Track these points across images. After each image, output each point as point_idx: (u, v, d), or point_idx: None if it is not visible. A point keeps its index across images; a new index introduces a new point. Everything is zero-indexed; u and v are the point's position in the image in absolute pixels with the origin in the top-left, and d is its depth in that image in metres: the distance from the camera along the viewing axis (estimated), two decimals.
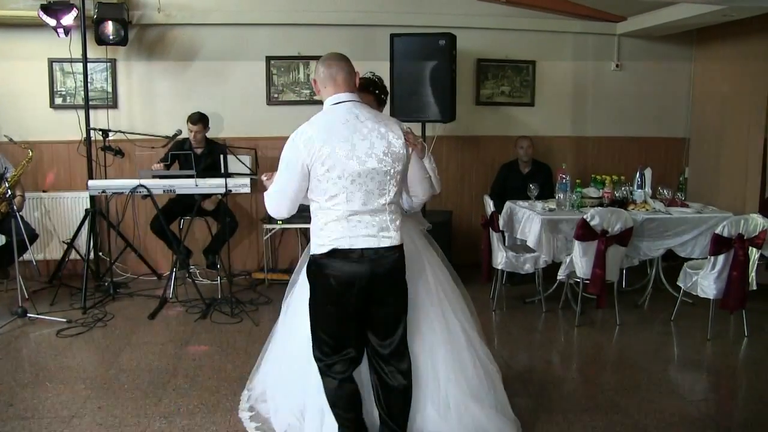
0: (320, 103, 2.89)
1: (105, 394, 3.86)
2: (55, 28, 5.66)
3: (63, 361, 4.39)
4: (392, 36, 5.94)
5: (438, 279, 3.28)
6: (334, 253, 2.69)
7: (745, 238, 4.69)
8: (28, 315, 5.04)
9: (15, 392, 3.88)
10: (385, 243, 2.72)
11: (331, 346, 2.84)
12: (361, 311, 2.79)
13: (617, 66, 7.15)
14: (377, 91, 3.23)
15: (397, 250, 2.78)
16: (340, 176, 2.61)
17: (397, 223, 2.77)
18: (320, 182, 2.63)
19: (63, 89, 6.42)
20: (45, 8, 5.58)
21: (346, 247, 2.68)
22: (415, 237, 3.28)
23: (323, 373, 2.89)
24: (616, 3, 6.56)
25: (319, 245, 2.72)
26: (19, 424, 3.47)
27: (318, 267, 2.74)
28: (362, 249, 2.69)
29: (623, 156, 7.18)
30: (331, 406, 2.93)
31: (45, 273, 6.21)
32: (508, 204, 5.75)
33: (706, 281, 4.84)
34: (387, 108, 5.91)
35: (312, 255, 2.78)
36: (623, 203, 5.53)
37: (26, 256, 5.38)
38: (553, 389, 4.00)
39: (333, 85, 2.73)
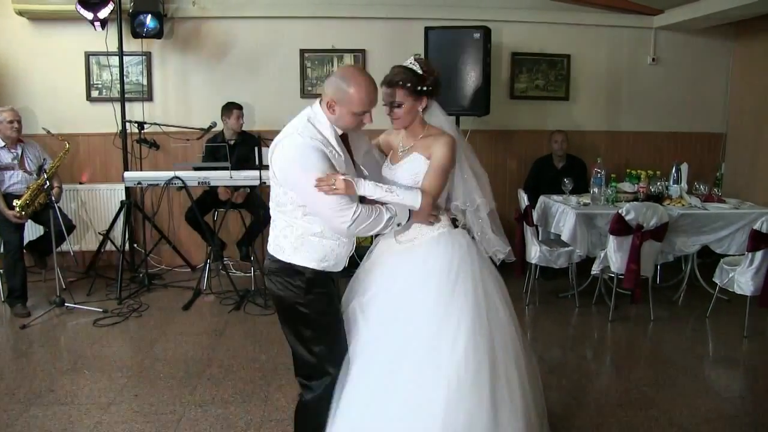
0: None
1: (141, 383, 3.92)
2: (91, 22, 5.74)
3: (100, 349, 4.46)
4: (426, 29, 5.91)
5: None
6: None
7: None
8: (66, 304, 5.14)
9: (55, 379, 3.95)
10: (270, 249, 2.62)
11: None
12: None
13: (653, 60, 7.03)
14: (409, 84, 2.64)
15: (277, 264, 2.56)
16: None
17: (286, 240, 2.54)
18: None
19: (99, 82, 6.49)
20: (82, 2, 5.66)
21: None
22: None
23: None
24: None
25: None
26: (60, 410, 3.55)
27: None
28: None
29: (658, 151, 7.06)
30: None
31: (81, 264, 6.30)
32: (542, 198, 5.72)
33: (743, 278, 4.74)
34: None
35: None
36: (659, 198, 5.46)
37: (64, 247, 5.47)
38: (587, 384, 3.97)
39: None
